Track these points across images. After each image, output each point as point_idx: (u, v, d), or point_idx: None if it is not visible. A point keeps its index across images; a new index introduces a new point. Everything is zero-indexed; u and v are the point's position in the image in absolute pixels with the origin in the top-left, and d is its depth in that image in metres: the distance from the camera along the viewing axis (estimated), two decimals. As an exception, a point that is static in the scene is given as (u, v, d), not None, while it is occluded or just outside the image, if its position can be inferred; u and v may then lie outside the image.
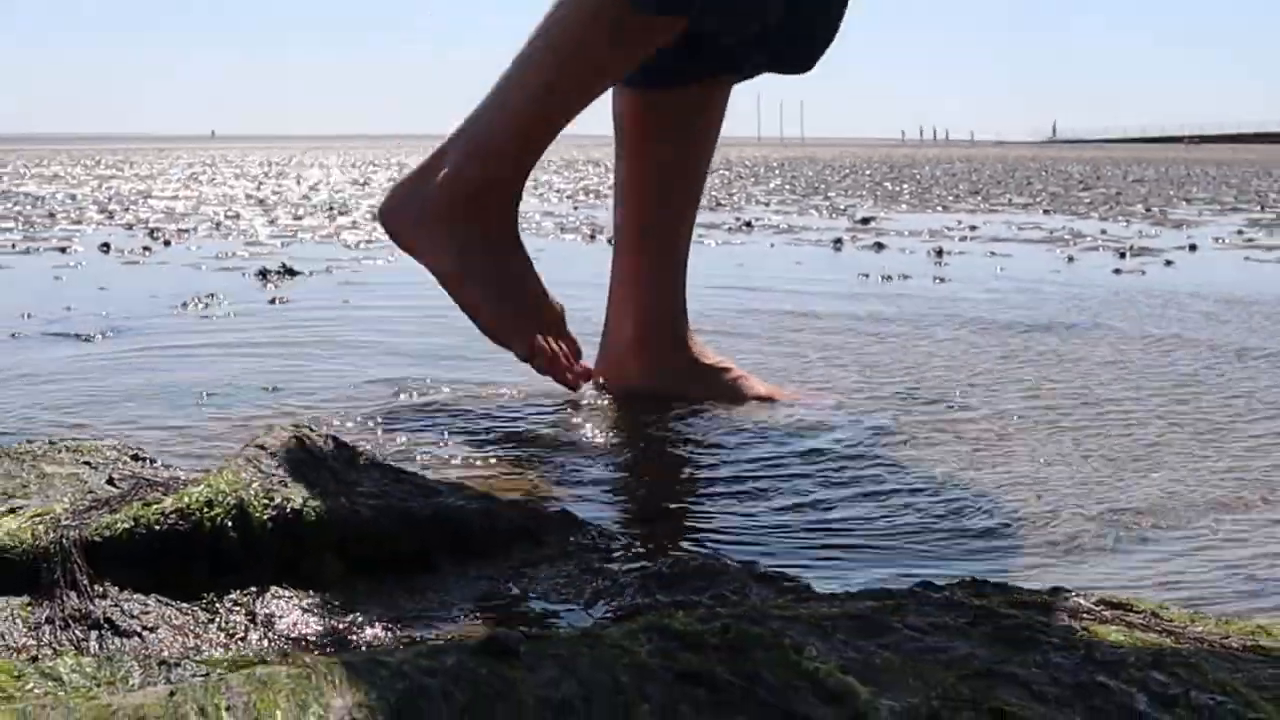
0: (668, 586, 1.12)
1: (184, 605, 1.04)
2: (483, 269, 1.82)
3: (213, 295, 3.27)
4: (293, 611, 1.05)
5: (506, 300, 1.85)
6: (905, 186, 11.36)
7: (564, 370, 1.86)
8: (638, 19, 1.73)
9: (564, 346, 1.88)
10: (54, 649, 0.96)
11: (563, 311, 1.91)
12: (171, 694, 0.70)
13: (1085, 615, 0.89)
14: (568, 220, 6.46)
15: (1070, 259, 4.54)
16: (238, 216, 6.73)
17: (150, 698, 0.71)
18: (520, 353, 1.84)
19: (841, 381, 2.10)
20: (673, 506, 1.43)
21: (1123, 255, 4.65)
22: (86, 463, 1.35)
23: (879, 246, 4.94)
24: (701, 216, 6.49)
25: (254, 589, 1.07)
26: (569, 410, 1.87)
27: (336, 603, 1.08)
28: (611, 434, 1.75)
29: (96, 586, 1.03)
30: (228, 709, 0.68)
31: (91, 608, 1.01)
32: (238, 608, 1.05)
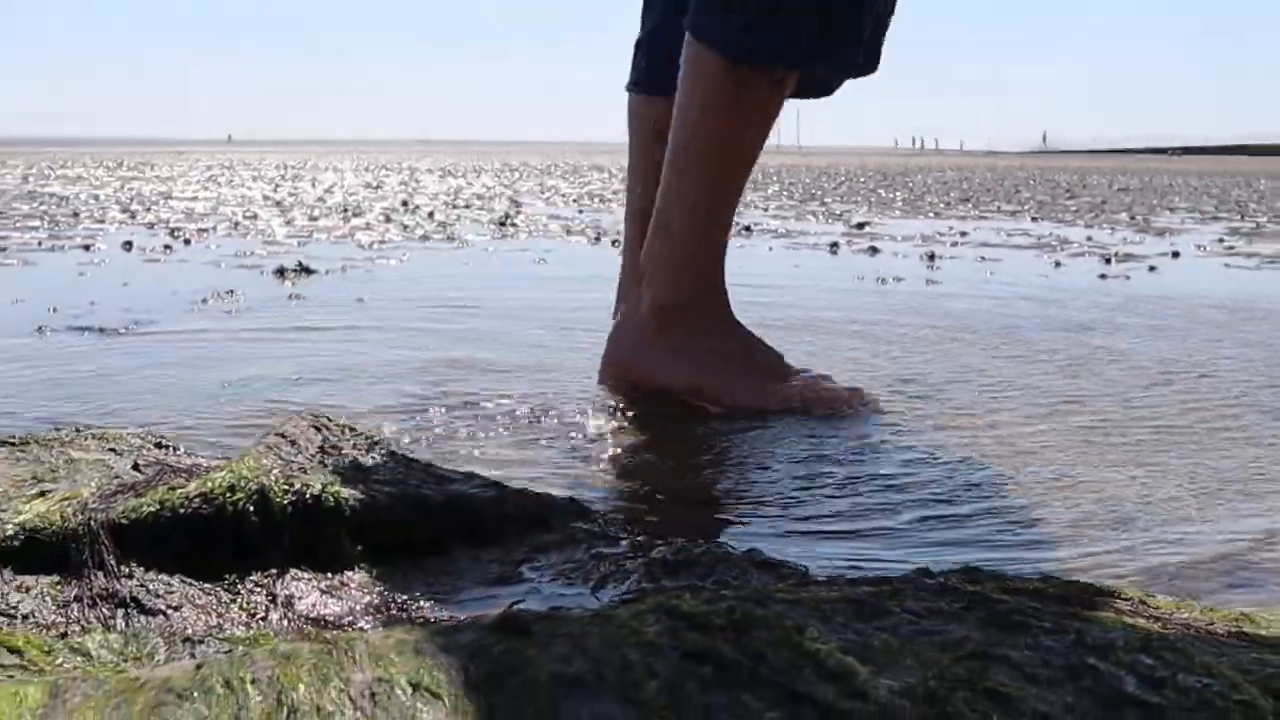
0: (672, 572, 1.12)
1: (207, 586, 1.04)
2: (713, 365, 1.85)
3: (232, 292, 3.27)
4: (312, 593, 1.06)
5: (750, 375, 1.85)
6: (898, 193, 11.35)
7: (841, 397, 1.83)
8: (763, 89, 1.76)
9: (815, 381, 1.86)
10: (82, 626, 0.96)
11: (780, 356, 1.92)
12: (198, 667, 0.71)
13: (1075, 601, 0.89)
14: (573, 223, 6.46)
15: (1057, 264, 4.54)
16: (255, 217, 6.73)
17: (177, 671, 0.71)
18: (798, 408, 1.80)
19: (819, 363, 2.10)
20: (678, 493, 1.43)
21: (1108, 261, 4.65)
22: (112, 449, 1.35)
23: (873, 250, 4.94)
24: (702, 220, 6.41)
25: (274, 571, 1.08)
26: (579, 402, 1.87)
27: (353, 585, 1.08)
28: (619, 425, 1.75)
29: (123, 567, 1.03)
30: (253, 682, 0.68)
31: (118, 587, 1.01)
32: (259, 589, 1.05)
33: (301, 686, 0.68)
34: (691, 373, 1.84)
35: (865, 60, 1.79)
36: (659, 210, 1.85)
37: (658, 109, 1.96)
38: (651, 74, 1.98)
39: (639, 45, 1.99)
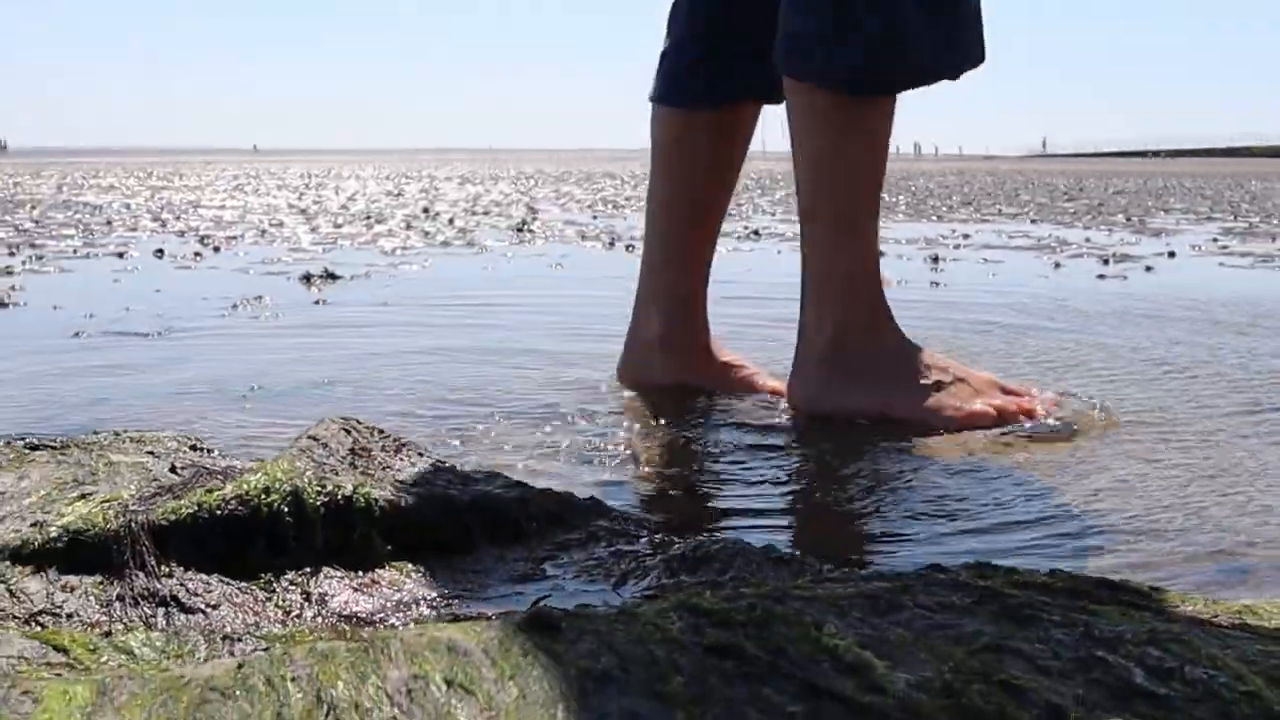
0: (691, 568, 1.12)
1: (244, 584, 1.05)
2: (898, 383, 1.78)
3: (260, 297, 3.28)
4: (344, 590, 1.06)
5: (936, 391, 1.77)
6: (901, 198, 11.33)
7: (1026, 406, 1.74)
8: (886, 106, 1.76)
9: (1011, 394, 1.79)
10: (125, 625, 0.96)
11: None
12: (239, 666, 0.71)
13: (1083, 594, 0.89)
14: (588, 229, 6.46)
15: (1057, 265, 4.53)
16: (281, 224, 6.75)
17: (219, 669, 0.71)
18: (983, 421, 1.71)
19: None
20: (695, 492, 1.44)
21: (1106, 262, 4.64)
22: (150, 452, 1.35)
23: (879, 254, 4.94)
24: (713, 225, 6.41)
25: (308, 569, 1.08)
26: (598, 404, 1.87)
27: (384, 582, 1.08)
28: (637, 426, 1.75)
29: (163, 567, 1.04)
30: (293, 680, 0.69)
31: (159, 586, 1.01)
32: (293, 587, 1.06)
33: (340, 684, 0.68)
34: (877, 395, 1.76)
35: (978, 55, 1.76)
36: (817, 250, 1.81)
37: (678, 121, 1.96)
38: (672, 86, 1.96)
39: (663, 57, 1.96)
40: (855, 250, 1.79)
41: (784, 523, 1.32)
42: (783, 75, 1.77)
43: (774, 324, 2.69)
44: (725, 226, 6.77)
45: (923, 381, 1.74)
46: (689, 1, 1.91)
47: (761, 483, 1.46)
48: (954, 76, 1.76)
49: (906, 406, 1.73)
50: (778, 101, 1.94)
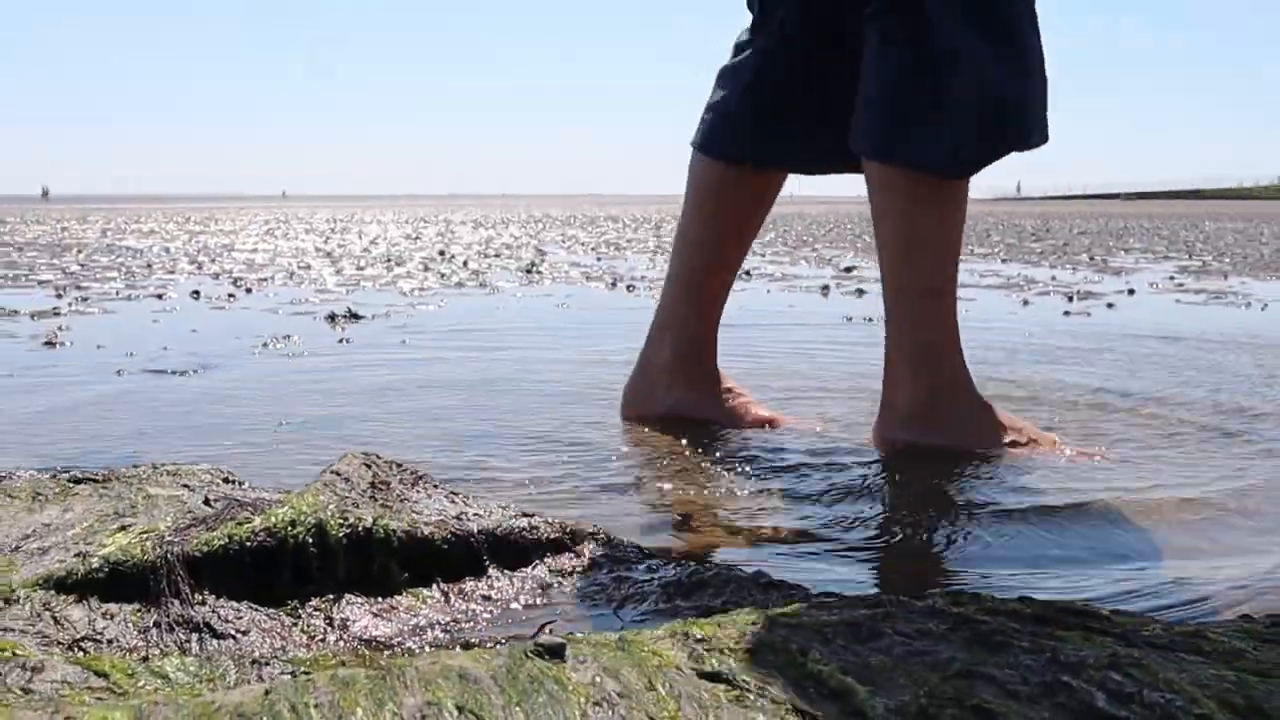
0: (686, 594, 1.12)
1: (271, 611, 1.05)
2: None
3: (289, 336, 3.28)
4: (364, 616, 1.06)
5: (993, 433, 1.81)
6: (881, 238, 11.33)
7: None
8: (731, 174, 1.83)
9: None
10: (161, 650, 0.96)
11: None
12: (267, 693, 0.71)
13: (1049, 620, 0.89)
14: (592, 270, 6.47)
15: (1025, 302, 4.54)
16: (309, 267, 6.76)
17: (248, 696, 0.71)
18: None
19: (831, 408, 2.10)
20: (691, 520, 1.43)
21: (1070, 299, 4.65)
22: (185, 485, 1.35)
23: (860, 292, 4.94)
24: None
25: (331, 596, 1.08)
26: (602, 435, 1.87)
27: (402, 608, 1.08)
28: (638, 455, 1.75)
29: (196, 595, 1.03)
30: (315, 706, 0.68)
31: (193, 613, 1.01)
32: (317, 613, 1.05)
33: (359, 710, 0.68)
34: (957, 437, 1.76)
35: (1044, 134, 1.75)
36: (906, 321, 1.78)
37: (719, 173, 1.93)
38: (721, 141, 1.91)
39: (713, 110, 1.92)
40: (940, 319, 1.78)
41: (771, 551, 1.32)
42: (866, 159, 1.75)
43: (759, 354, 2.69)
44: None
45: (1003, 440, 1.75)
46: (754, 69, 1.86)
47: (755, 511, 1.46)
48: (1031, 148, 1.76)
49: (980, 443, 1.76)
50: (816, 174, 1.95)
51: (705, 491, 1.56)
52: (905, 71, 1.68)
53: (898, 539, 1.34)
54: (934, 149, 1.68)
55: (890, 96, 1.70)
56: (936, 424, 1.76)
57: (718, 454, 1.75)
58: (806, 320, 3.84)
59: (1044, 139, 1.74)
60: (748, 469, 1.66)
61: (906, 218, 1.74)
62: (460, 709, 0.68)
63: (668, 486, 1.58)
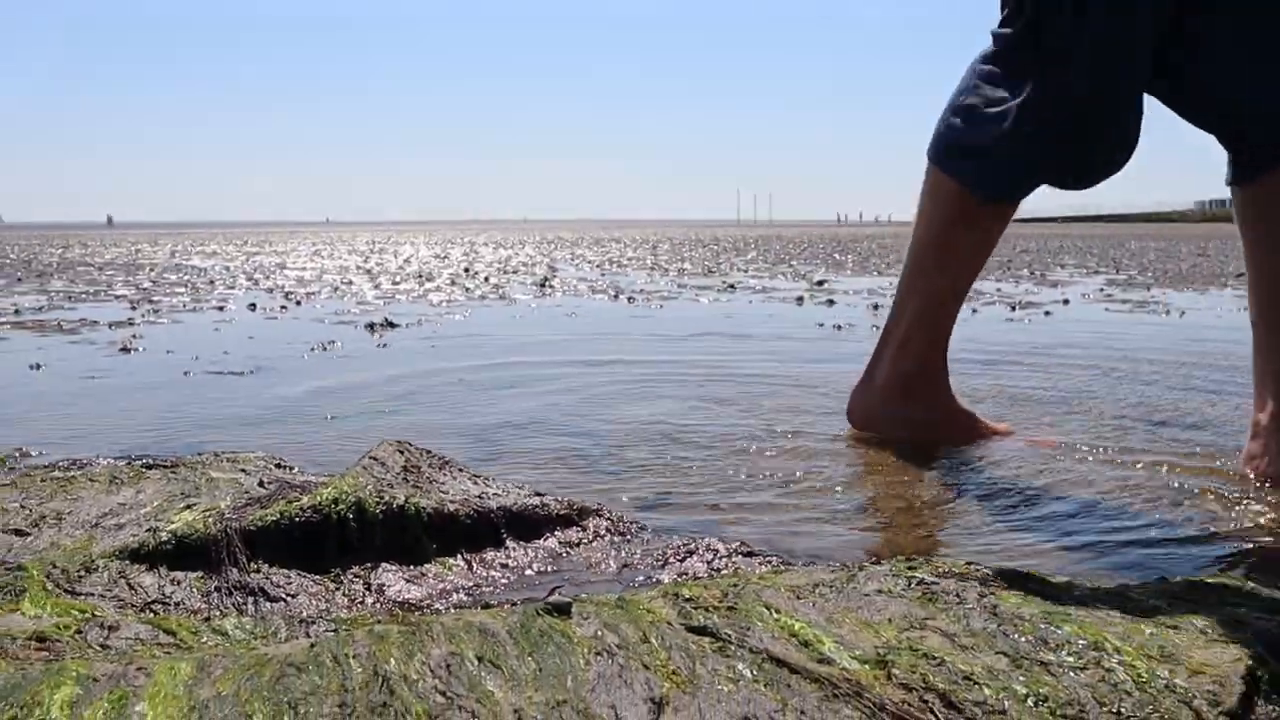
0: (678, 561, 1.12)
1: (317, 577, 1.05)
2: (926, 430, 1.78)
3: (334, 342, 3.28)
4: (398, 581, 1.06)
5: (972, 432, 1.80)
6: (849, 257, 11.35)
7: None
8: (989, 209, 1.67)
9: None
10: (221, 611, 0.96)
11: (974, 420, 1.83)
12: (312, 646, 0.71)
13: (991, 582, 0.89)
14: (597, 284, 6.47)
15: (974, 310, 4.53)
16: (350, 283, 6.75)
17: (296, 649, 0.71)
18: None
19: (790, 390, 2.10)
20: (682, 500, 1.43)
21: (1013, 308, 4.65)
22: (242, 470, 1.36)
23: (830, 302, 4.94)
24: (696, 280, 6.47)
25: (369, 564, 1.08)
26: (605, 424, 1.87)
27: (430, 575, 1.08)
28: (637, 435, 1.75)
29: (252, 564, 1.04)
30: (354, 657, 0.69)
31: (249, 580, 1.01)
32: (357, 579, 1.06)
33: (393, 660, 0.68)
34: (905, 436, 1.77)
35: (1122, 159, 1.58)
36: (897, 301, 1.79)
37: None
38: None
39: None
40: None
41: (749, 522, 1.32)
42: (1244, 185, 1.54)
43: (752, 356, 2.69)
44: (708, 282, 6.79)
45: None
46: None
47: (738, 486, 1.46)
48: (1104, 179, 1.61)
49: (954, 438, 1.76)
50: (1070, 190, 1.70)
51: (694, 476, 1.56)
52: None
53: (873, 512, 1.34)
54: (997, 178, 1.63)
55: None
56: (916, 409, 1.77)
57: (710, 443, 1.75)
58: (787, 329, 3.84)
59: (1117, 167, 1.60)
60: (727, 449, 1.66)
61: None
62: (480, 658, 0.68)
63: (666, 472, 1.58)
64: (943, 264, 1.74)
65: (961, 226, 1.71)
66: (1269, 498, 1.40)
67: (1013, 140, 1.58)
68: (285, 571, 1.04)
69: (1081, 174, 1.60)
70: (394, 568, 1.08)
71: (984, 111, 1.62)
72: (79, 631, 0.81)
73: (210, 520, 1.08)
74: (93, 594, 0.95)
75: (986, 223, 1.73)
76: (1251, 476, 1.49)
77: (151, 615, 0.92)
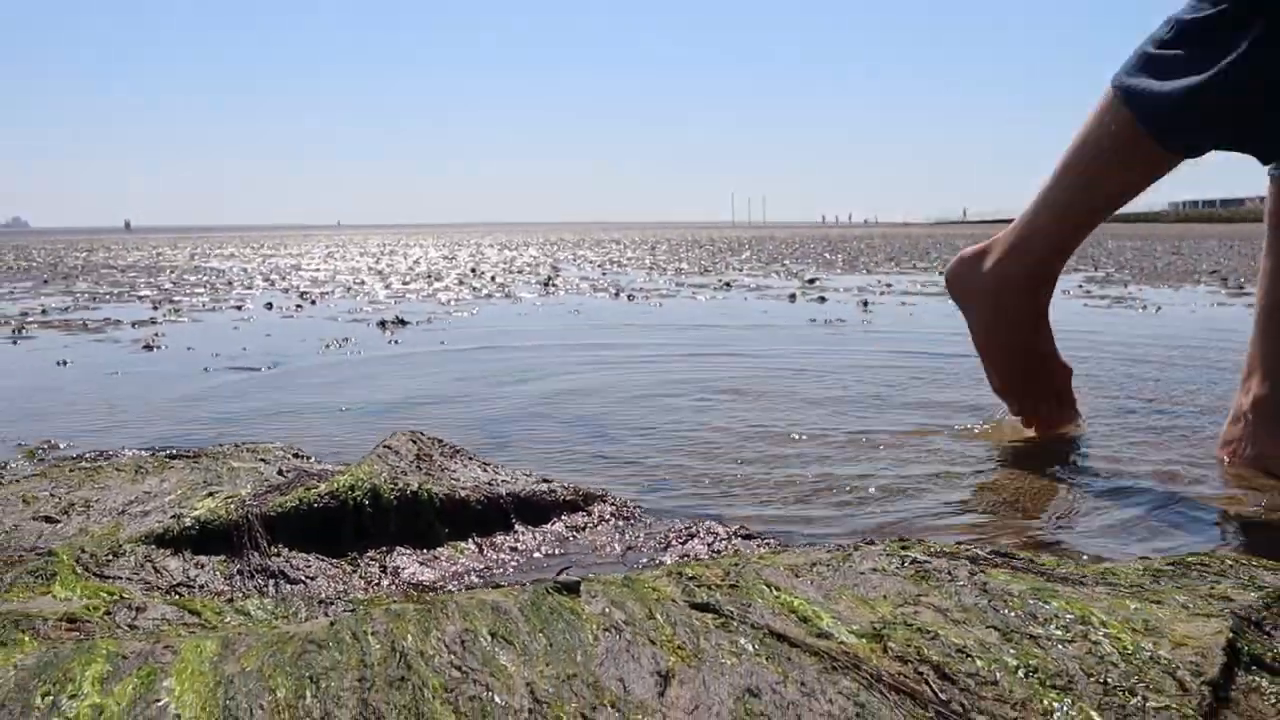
0: (680, 543, 1.12)
1: (335, 560, 1.05)
2: (1006, 342, 1.65)
3: (347, 339, 3.28)
4: (413, 564, 1.06)
5: (1017, 371, 1.67)
6: (839, 256, 11.34)
7: (1047, 429, 1.68)
8: (1159, 154, 1.43)
9: (1058, 408, 1.69)
10: (243, 593, 0.96)
11: (1069, 374, 1.69)
12: (332, 624, 0.71)
13: (981, 561, 0.89)
14: (599, 283, 6.46)
15: (959, 306, 4.52)
16: (363, 283, 6.75)
17: (316, 627, 0.71)
18: (1015, 413, 1.70)
19: (789, 384, 2.10)
20: (684, 487, 1.43)
21: (997, 303, 4.63)
22: (262, 459, 1.35)
23: (822, 299, 4.94)
24: (693, 278, 6.46)
25: (384, 548, 1.08)
26: (611, 409, 1.87)
27: (443, 558, 1.08)
28: (646, 434, 1.74)
29: (273, 548, 1.03)
30: (372, 634, 0.68)
31: (269, 563, 1.01)
32: (373, 562, 1.05)
33: (409, 636, 0.68)
34: (984, 334, 1.67)
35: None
36: (1038, 200, 1.56)
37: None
38: None
39: None
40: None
41: (748, 504, 1.32)
42: None
43: (740, 354, 2.69)
44: (704, 280, 6.78)
45: None
46: None
47: (736, 479, 1.46)
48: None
49: None
50: None
51: (697, 464, 1.55)
52: None
53: (868, 499, 1.34)
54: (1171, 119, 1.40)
55: None
56: None
57: (708, 435, 1.74)
58: (782, 322, 3.84)
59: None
60: (731, 440, 1.66)
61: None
62: (493, 634, 0.68)
63: (669, 461, 1.58)
64: (1090, 187, 1.52)
65: (1119, 162, 1.49)
66: (1246, 478, 1.39)
67: (1217, 94, 1.37)
68: (304, 555, 1.04)
69: (1273, 147, 1.41)
70: (408, 551, 1.08)
71: (1186, 54, 1.41)
72: (108, 612, 0.81)
73: (232, 507, 1.08)
74: (120, 577, 0.95)
75: (1146, 167, 1.49)
76: (1226, 461, 1.48)
77: (177, 597, 0.92)
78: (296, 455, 1.42)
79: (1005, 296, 1.64)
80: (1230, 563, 0.90)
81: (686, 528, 1.15)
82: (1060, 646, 0.69)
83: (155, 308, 4.75)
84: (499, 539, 1.14)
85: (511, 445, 1.64)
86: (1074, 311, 4.29)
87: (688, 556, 1.07)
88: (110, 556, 0.98)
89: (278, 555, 1.02)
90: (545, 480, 1.29)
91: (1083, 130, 1.51)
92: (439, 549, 1.10)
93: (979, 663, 0.66)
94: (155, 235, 41.69)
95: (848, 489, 1.38)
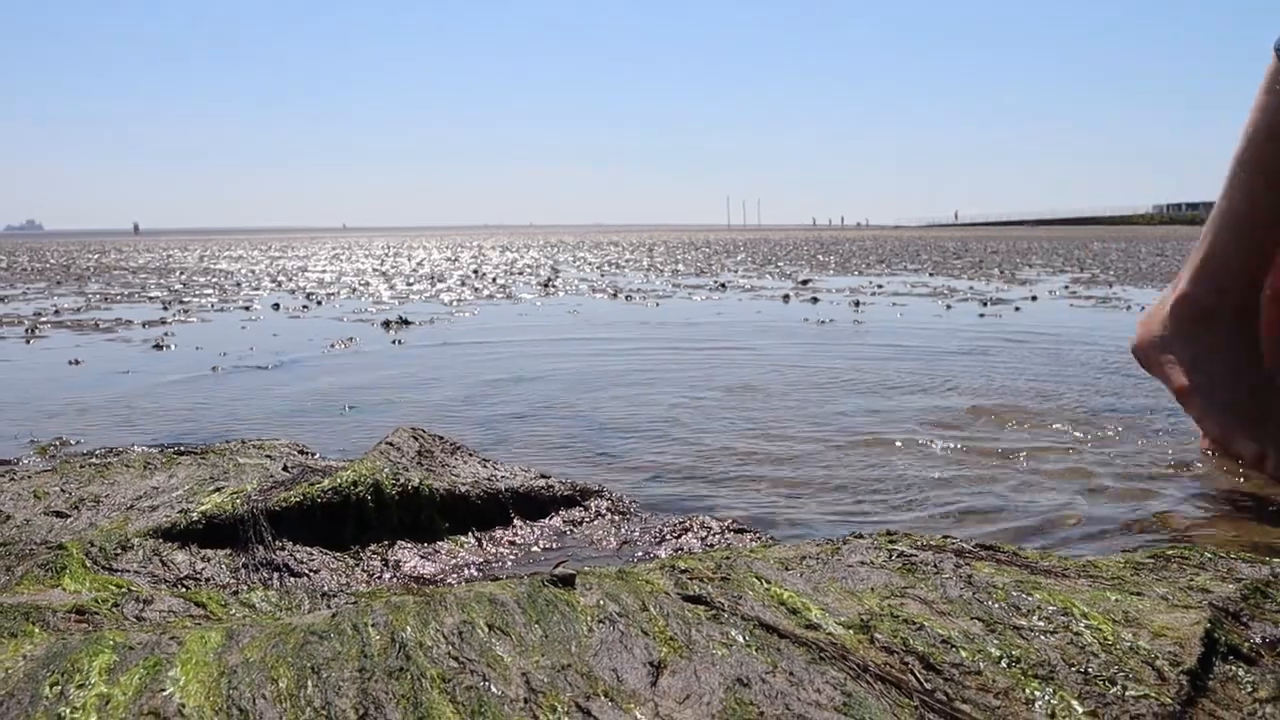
0: (674, 537, 1.12)
1: (337, 554, 1.04)
2: (1209, 381, 1.38)
3: (352, 338, 3.28)
4: (413, 558, 1.06)
5: (1233, 411, 1.37)
6: (831, 258, 11.34)
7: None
8: None
9: None
10: (248, 586, 0.96)
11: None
12: (333, 615, 0.71)
13: (967, 554, 0.89)
14: (597, 284, 6.46)
15: (948, 306, 4.53)
16: (368, 284, 6.74)
17: (318, 618, 0.71)
18: (1247, 460, 1.36)
19: (782, 382, 2.10)
20: (678, 482, 1.43)
21: (985, 304, 4.64)
22: (268, 456, 1.35)
23: (815, 299, 4.94)
24: (689, 280, 6.46)
25: (386, 542, 1.08)
26: (601, 406, 1.87)
27: (443, 551, 1.08)
28: (641, 431, 1.74)
29: (277, 542, 1.03)
30: (372, 625, 0.68)
31: (274, 557, 1.01)
32: (375, 555, 1.05)
33: (409, 628, 0.68)
34: (1182, 380, 1.42)
35: None
36: (1220, 213, 1.35)
37: None
38: None
39: None
40: None
41: (738, 501, 1.32)
42: None
43: (736, 348, 2.68)
44: (700, 281, 6.77)
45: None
46: None
47: (729, 477, 1.46)
48: None
49: None
50: None
51: (686, 464, 1.55)
52: None
53: (861, 488, 1.34)
54: None
55: None
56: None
57: (691, 434, 1.74)
58: (775, 322, 3.84)
59: None
60: (714, 441, 1.65)
61: None
62: (490, 626, 0.68)
63: (663, 459, 1.58)
64: (1273, 178, 1.32)
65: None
66: (1227, 470, 1.39)
67: None
68: (308, 549, 1.04)
69: None
70: (409, 545, 1.08)
71: None
72: (116, 605, 0.81)
73: (238, 501, 1.08)
74: (128, 570, 0.95)
75: None
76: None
77: (183, 590, 0.92)
78: (301, 451, 1.42)
79: (1201, 324, 1.40)
80: (1210, 555, 0.90)
81: (680, 522, 1.15)
82: (1042, 637, 0.69)
83: (165, 308, 4.75)
84: (498, 533, 1.14)
85: (510, 441, 1.64)
86: (1062, 311, 4.30)
87: (681, 550, 1.07)
88: (119, 550, 0.98)
89: (282, 549, 1.02)
90: (543, 476, 1.29)
91: (1251, 121, 1.31)
92: (439, 543, 1.10)
93: (963, 653, 0.66)
94: (163, 237, 41.62)
95: (838, 484, 1.38)
